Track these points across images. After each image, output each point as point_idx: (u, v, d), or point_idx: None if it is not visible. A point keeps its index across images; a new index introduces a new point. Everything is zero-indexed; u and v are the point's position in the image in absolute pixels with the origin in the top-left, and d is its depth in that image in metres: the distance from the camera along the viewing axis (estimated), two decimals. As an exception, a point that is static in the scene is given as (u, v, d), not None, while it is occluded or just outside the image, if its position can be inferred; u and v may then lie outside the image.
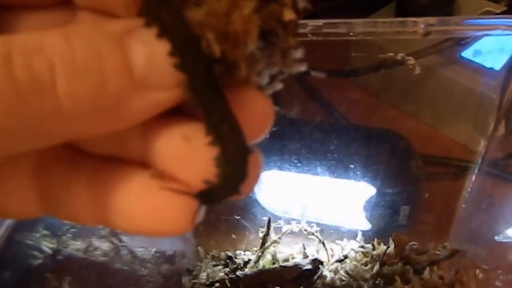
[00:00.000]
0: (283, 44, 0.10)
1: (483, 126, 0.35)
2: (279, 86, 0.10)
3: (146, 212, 0.10)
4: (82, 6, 0.11)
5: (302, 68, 0.10)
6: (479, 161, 0.33)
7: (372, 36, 0.23)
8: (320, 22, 0.23)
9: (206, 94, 0.09)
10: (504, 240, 0.31)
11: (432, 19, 0.22)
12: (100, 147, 0.11)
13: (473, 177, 0.33)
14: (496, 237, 0.32)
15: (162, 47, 0.09)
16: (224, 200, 0.10)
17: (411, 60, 0.26)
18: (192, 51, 0.09)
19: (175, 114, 0.10)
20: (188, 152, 0.10)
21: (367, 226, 0.35)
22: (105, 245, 0.33)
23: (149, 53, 0.09)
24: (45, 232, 0.33)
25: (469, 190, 0.33)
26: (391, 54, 0.26)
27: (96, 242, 0.33)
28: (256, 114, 0.10)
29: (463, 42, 0.37)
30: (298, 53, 0.10)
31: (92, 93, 0.09)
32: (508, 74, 0.33)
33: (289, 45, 0.10)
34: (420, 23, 0.22)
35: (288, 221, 0.35)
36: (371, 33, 0.23)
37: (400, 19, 0.23)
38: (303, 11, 0.09)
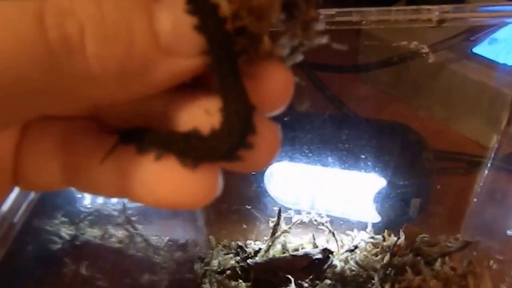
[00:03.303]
0: (305, 16, 0.10)
1: (495, 122, 0.35)
2: (299, 57, 0.10)
3: (170, 184, 0.10)
4: None
5: (324, 40, 0.10)
6: (492, 156, 0.33)
7: (385, 24, 0.23)
8: (332, 11, 0.23)
9: (223, 61, 0.09)
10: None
11: (446, 7, 0.22)
12: (123, 117, 0.11)
13: (486, 171, 0.33)
14: (508, 232, 0.32)
15: (187, 15, 0.09)
16: (233, 153, 0.10)
17: (425, 49, 0.26)
18: (214, 21, 0.09)
19: (198, 88, 0.11)
20: (210, 126, 0.10)
21: (377, 218, 0.35)
22: (120, 233, 0.34)
23: (175, 20, 0.09)
24: (63, 219, 0.34)
25: (481, 184, 0.33)
26: (405, 42, 0.26)
27: (111, 230, 0.34)
28: (278, 85, 0.10)
29: (475, 37, 0.37)
30: (320, 25, 0.10)
31: (120, 56, 0.09)
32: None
33: (311, 17, 0.10)
34: (435, 11, 0.22)
35: (298, 212, 0.36)
36: (384, 22, 0.23)
37: (414, 6, 0.23)
38: None
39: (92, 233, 0.34)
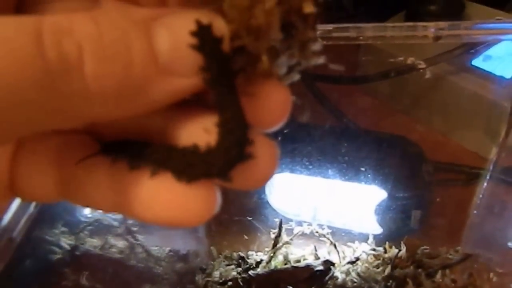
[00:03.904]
0: (302, 37, 0.10)
1: (494, 134, 0.35)
2: (296, 76, 0.11)
3: (167, 201, 0.10)
4: None
5: (321, 60, 0.10)
6: (491, 168, 0.34)
7: (381, 40, 0.24)
8: (329, 26, 0.24)
9: (221, 80, 0.09)
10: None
11: (442, 24, 0.23)
12: (120, 132, 0.11)
13: (485, 184, 0.33)
14: (509, 243, 0.32)
15: (185, 35, 0.09)
16: (228, 171, 0.10)
17: (422, 64, 0.26)
18: (212, 42, 0.09)
19: (195, 105, 0.11)
20: (207, 143, 0.10)
21: (378, 229, 0.35)
22: (120, 243, 0.34)
23: (173, 40, 0.09)
24: (63, 229, 0.34)
25: (481, 196, 0.33)
26: (401, 58, 0.27)
27: (111, 240, 0.34)
28: (276, 103, 0.10)
29: (473, 50, 0.37)
30: (317, 46, 0.10)
31: (118, 76, 0.09)
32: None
33: (308, 38, 0.10)
34: (430, 28, 0.23)
35: (299, 223, 0.36)
36: (381, 38, 0.24)
37: (410, 23, 0.23)
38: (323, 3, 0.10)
39: (92, 243, 0.34)
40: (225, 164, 0.10)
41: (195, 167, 0.10)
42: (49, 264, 0.32)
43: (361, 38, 0.24)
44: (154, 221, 0.11)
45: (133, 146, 0.11)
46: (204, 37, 0.09)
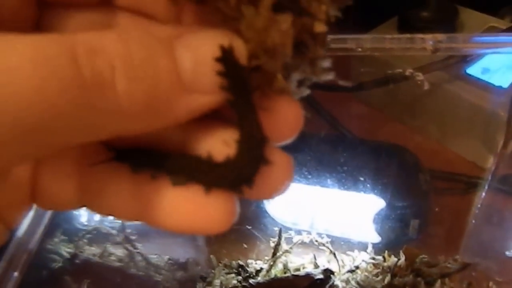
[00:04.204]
0: (313, 54, 0.10)
1: (491, 143, 0.35)
2: (306, 91, 0.11)
3: (189, 210, 0.11)
4: (122, 7, 0.11)
5: (330, 76, 0.11)
6: (489, 177, 0.34)
7: (380, 52, 0.24)
8: (327, 37, 0.24)
9: (240, 98, 0.10)
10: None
11: (440, 36, 0.23)
12: (141, 143, 0.11)
13: (483, 193, 0.34)
14: (507, 252, 0.32)
15: (207, 55, 0.10)
16: (245, 182, 0.10)
17: (420, 76, 0.27)
18: (233, 64, 0.10)
19: (215, 118, 0.11)
20: (226, 155, 0.10)
21: (376, 238, 0.35)
22: (119, 251, 0.34)
23: (196, 59, 0.10)
24: (63, 237, 0.34)
25: (479, 205, 0.34)
26: (400, 70, 0.27)
27: (110, 248, 0.34)
28: (289, 118, 0.11)
29: (469, 58, 0.38)
30: (326, 63, 0.11)
31: (147, 93, 0.09)
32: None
33: (318, 55, 0.10)
34: (428, 40, 0.23)
35: (298, 232, 0.36)
36: (379, 49, 0.24)
37: (408, 35, 0.24)
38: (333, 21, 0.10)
39: (91, 252, 0.34)
40: (242, 175, 0.10)
41: (211, 177, 0.10)
42: (50, 272, 0.31)
43: (359, 49, 0.24)
44: (175, 229, 0.11)
45: (149, 155, 0.11)
46: (226, 59, 0.10)
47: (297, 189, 0.35)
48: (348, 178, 0.35)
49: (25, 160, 0.11)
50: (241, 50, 0.10)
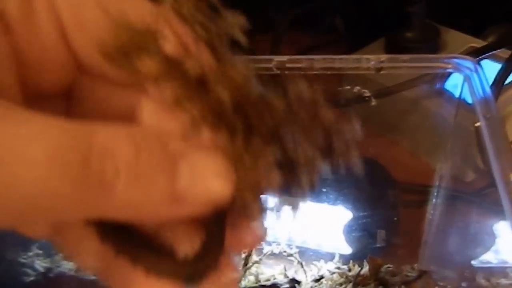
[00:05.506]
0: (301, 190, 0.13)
1: (465, 158, 0.37)
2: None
3: None
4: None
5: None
6: (439, 184, 0.35)
7: (331, 71, 0.26)
8: (285, 57, 0.26)
9: (216, 220, 0.12)
10: (479, 265, 0.33)
11: (383, 57, 0.26)
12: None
13: (434, 201, 0.35)
14: (473, 262, 0.33)
15: (204, 180, 0.11)
16: (197, 281, 0.12)
17: (367, 93, 0.29)
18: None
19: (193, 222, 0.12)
20: (185, 253, 0.12)
21: (346, 249, 0.36)
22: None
23: (193, 181, 0.11)
24: (38, 251, 0.35)
25: (431, 213, 0.35)
26: (348, 87, 0.29)
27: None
28: (253, 235, 0.13)
29: (446, 75, 0.39)
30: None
31: (142, 199, 0.10)
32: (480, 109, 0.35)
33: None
34: (371, 60, 0.25)
35: (269, 243, 0.37)
36: (330, 69, 0.26)
37: (355, 56, 0.26)
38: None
39: (67, 266, 0.35)
40: (193, 276, 0.12)
41: (169, 271, 0.12)
42: (22, 286, 0.32)
43: (313, 68, 0.26)
44: None
45: (130, 237, 0.12)
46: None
47: (268, 201, 0.37)
48: (318, 190, 0.36)
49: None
50: (231, 188, 0.11)
